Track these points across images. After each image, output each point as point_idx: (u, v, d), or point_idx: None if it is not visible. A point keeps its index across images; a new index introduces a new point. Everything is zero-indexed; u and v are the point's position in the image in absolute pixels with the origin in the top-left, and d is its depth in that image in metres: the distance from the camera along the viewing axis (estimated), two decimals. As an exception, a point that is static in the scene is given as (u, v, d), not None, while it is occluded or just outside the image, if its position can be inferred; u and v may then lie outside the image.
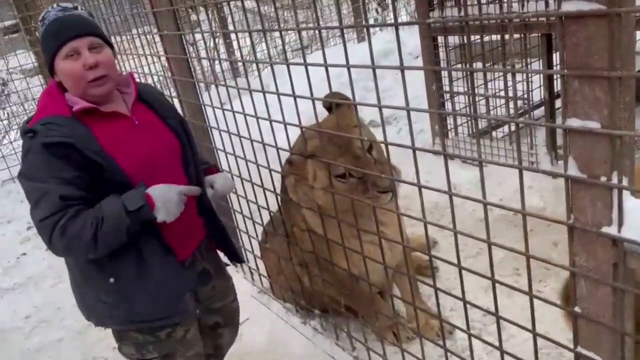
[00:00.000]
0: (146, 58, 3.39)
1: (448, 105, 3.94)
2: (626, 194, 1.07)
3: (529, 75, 3.77)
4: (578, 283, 1.22)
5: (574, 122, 1.08)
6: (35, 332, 3.40)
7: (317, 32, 8.01)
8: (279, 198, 2.48)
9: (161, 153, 1.77)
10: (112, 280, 1.71)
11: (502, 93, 3.75)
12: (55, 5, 1.71)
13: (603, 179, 1.07)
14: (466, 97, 3.85)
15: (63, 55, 1.63)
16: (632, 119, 1.07)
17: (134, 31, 3.42)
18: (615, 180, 1.06)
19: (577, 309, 1.24)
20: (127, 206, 1.58)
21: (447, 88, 3.91)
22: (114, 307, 1.75)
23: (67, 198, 1.57)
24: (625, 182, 1.07)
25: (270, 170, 2.33)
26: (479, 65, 3.99)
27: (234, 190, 2.26)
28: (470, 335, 1.70)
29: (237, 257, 2.16)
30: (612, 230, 1.09)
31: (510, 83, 3.66)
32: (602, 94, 1.02)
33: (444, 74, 3.91)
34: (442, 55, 3.83)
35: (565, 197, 1.17)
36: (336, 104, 2.14)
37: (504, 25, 3.28)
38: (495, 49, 3.88)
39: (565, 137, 1.11)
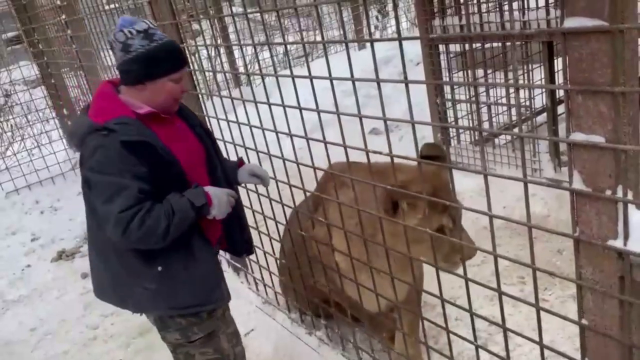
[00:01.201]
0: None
1: (450, 113, 3.95)
2: (631, 207, 1.08)
3: (531, 81, 3.78)
4: (585, 295, 1.22)
5: (578, 136, 1.08)
6: (41, 344, 3.41)
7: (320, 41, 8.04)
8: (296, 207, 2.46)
9: (193, 155, 1.99)
10: (160, 268, 1.87)
11: (505, 100, 3.75)
12: (147, 21, 1.88)
13: (608, 192, 1.08)
14: (468, 104, 3.87)
15: (172, 78, 1.86)
16: (637, 132, 1.08)
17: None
18: (620, 193, 1.06)
19: (584, 321, 1.24)
20: (194, 202, 1.81)
21: (448, 96, 3.92)
22: (157, 293, 1.89)
23: (143, 192, 1.75)
24: (630, 196, 1.07)
25: (277, 181, 2.35)
26: (481, 72, 4.00)
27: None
28: (477, 347, 1.70)
29: (248, 249, 2.32)
30: (617, 243, 1.10)
31: (512, 90, 3.67)
32: (606, 109, 1.03)
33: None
34: (443, 63, 3.84)
35: (571, 211, 1.17)
36: (437, 155, 2.09)
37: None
38: (497, 56, 3.90)
39: (569, 151, 1.12)
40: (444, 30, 3.61)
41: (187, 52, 2.91)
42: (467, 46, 3.73)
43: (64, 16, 4.55)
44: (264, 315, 2.97)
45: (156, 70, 1.83)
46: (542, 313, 1.96)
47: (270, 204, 2.54)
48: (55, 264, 4.41)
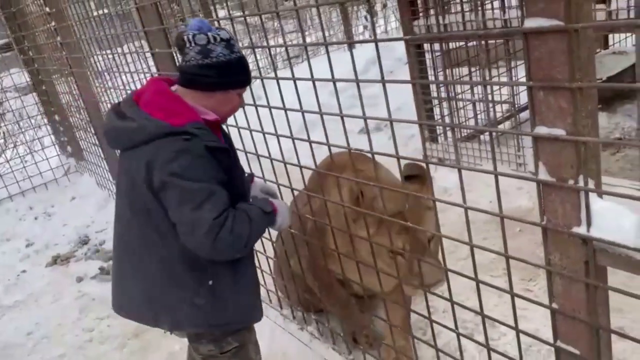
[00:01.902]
0: (137, 74, 3.46)
1: (436, 111, 4.02)
2: (593, 195, 1.14)
3: (515, 78, 3.85)
4: (554, 281, 1.29)
5: (542, 130, 1.15)
6: (38, 348, 3.45)
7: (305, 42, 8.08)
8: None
9: None
10: (210, 282, 1.82)
11: (490, 97, 3.82)
12: (227, 33, 1.83)
13: (570, 182, 1.14)
14: (452, 102, 3.94)
15: (239, 91, 1.87)
16: (596, 125, 1.15)
17: (125, 47, 3.49)
18: (581, 183, 1.13)
19: (554, 305, 1.31)
20: (264, 209, 1.84)
21: (435, 94, 3.99)
22: (203, 310, 1.83)
23: (229, 197, 1.73)
24: (591, 185, 1.14)
25: (264, 181, 2.40)
26: (464, 70, 4.07)
27: None
28: (459, 335, 1.76)
29: None
30: (581, 230, 1.16)
31: (496, 89, 3.75)
32: (566, 104, 1.09)
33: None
34: (428, 62, 3.91)
35: (538, 200, 1.24)
36: (417, 175, 2.06)
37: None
38: (479, 54, 3.97)
39: (534, 144, 1.19)
40: (428, 30, 3.69)
41: (175, 56, 2.97)
42: (448, 45, 3.81)
43: (53, 23, 4.58)
44: (257, 313, 3.03)
45: (232, 81, 1.82)
46: (525, 304, 2.03)
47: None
48: (50, 268, 4.45)
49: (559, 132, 1.12)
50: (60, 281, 4.21)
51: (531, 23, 1.09)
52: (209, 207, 1.66)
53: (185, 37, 1.78)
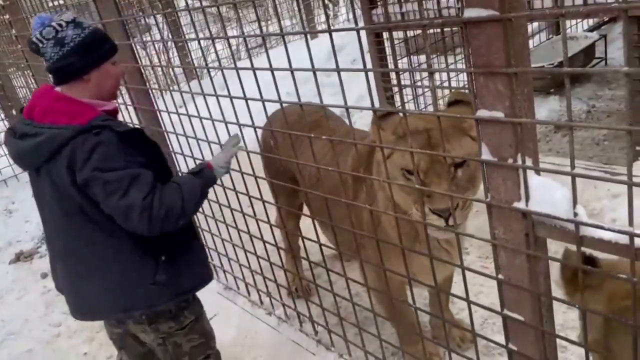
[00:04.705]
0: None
1: (397, 98, 4.11)
2: (530, 172, 1.24)
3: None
4: (499, 253, 1.38)
5: (483, 113, 1.23)
6: (4, 344, 3.42)
7: (268, 33, 8.09)
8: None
9: None
10: (163, 257, 1.89)
11: (446, 84, 3.94)
12: (69, 13, 1.87)
13: (510, 160, 1.23)
14: (412, 89, 4.04)
15: (111, 62, 1.91)
16: (532, 107, 1.24)
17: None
18: (519, 161, 1.22)
19: (500, 276, 1.41)
20: (192, 172, 1.95)
21: (395, 82, 4.08)
22: (166, 284, 1.89)
23: (153, 176, 1.78)
24: (529, 162, 1.23)
25: (230, 171, 2.44)
26: (422, 58, 4.17)
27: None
28: (416, 310, 1.85)
29: None
30: (521, 205, 1.26)
31: (452, 75, 3.86)
32: (503, 88, 1.18)
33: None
34: (388, 50, 3.99)
35: (482, 179, 1.33)
36: (459, 100, 1.83)
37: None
38: (438, 41, 4.08)
39: (477, 126, 1.27)
40: (387, 19, 3.76)
41: (135, 48, 2.96)
42: (409, 33, 3.89)
43: (7, 16, 4.47)
44: (226, 300, 3.08)
45: (98, 55, 1.84)
46: (482, 280, 2.14)
47: (225, 192, 2.63)
48: (13, 265, 4.40)
49: (498, 114, 1.20)
50: (25, 278, 4.17)
51: (470, 13, 1.16)
52: (135, 190, 1.72)
53: (35, 39, 1.81)
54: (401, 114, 1.66)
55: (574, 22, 5.28)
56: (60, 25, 1.78)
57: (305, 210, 3.02)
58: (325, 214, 2.13)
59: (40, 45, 1.80)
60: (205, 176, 1.94)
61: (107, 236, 1.83)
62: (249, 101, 2.05)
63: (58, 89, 1.87)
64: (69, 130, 1.75)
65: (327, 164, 2.03)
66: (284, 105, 1.95)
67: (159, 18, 5.72)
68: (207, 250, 2.28)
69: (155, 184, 1.77)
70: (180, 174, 2.05)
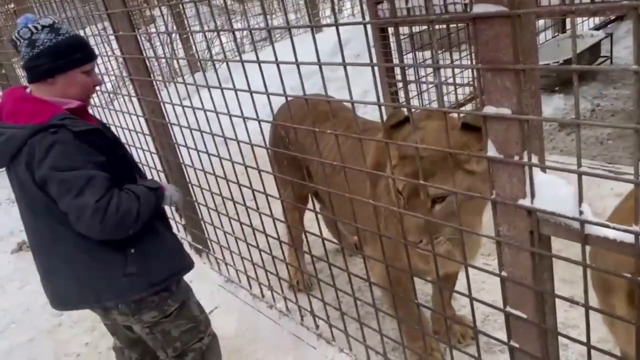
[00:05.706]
0: (101, 57, 3.42)
1: (401, 94, 4.10)
2: (536, 170, 1.23)
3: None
4: (503, 250, 1.38)
5: (490, 109, 1.23)
6: (6, 334, 3.44)
7: (275, 26, 8.06)
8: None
9: None
10: (132, 250, 1.92)
11: (451, 80, 3.93)
12: (52, 17, 1.94)
13: (516, 158, 1.23)
14: (416, 85, 4.03)
15: (84, 70, 1.93)
16: (539, 104, 1.23)
17: (88, 30, 3.44)
18: (526, 158, 1.22)
19: (503, 273, 1.41)
20: (150, 186, 1.97)
21: (399, 77, 4.06)
22: (137, 276, 1.92)
23: (108, 179, 1.80)
24: (535, 160, 1.23)
25: (232, 163, 2.44)
26: (427, 54, 4.16)
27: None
28: (418, 305, 1.85)
29: None
30: (526, 202, 1.25)
31: (457, 71, 3.85)
32: (510, 84, 1.17)
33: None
34: (392, 45, 3.98)
35: (488, 176, 1.32)
36: (470, 125, 1.74)
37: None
38: (444, 37, 4.06)
39: (483, 123, 1.27)
40: (394, 14, 3.74)
41: (140, 39, 2.96)
42: (414, 29, 3.88)
43: (12, 5, 4.47)
44: (227, 293, 3.09)
45: (66, 62, 1.87)
46: (484, 277, 2.13)
47: (228, 185, 2.63)
48: (15, 255, 4.41)
49: (505, 111, 1.20)
50: (27, 267, 4.16)
51: (479, 9, 1.15)
52: (89, 191, 1.74)
53: (14, 37, 1.88)
54: (410, 127, 1.61)
55: (580, 20, 5.25)
56: (36, 27, 1.86)
57: (310, 205, 3.02)
58: (341, 202, 2.12)
59: (18, 43, 1.88)
60: (158, 195, 2.00)
61: (73, 232, 1.83)
62: (253, 94, 2.05)
63: (28, 89, 1.94)
64: (27, 129, 1.80)
65: (345, 152, 2.01)
66: (299, 95, 1.94)
67: (164, 10, 5.72)
68: (208, 241, 2.28)
69: (110, 187, 1.79)
70: (145, 178, 2.16)
